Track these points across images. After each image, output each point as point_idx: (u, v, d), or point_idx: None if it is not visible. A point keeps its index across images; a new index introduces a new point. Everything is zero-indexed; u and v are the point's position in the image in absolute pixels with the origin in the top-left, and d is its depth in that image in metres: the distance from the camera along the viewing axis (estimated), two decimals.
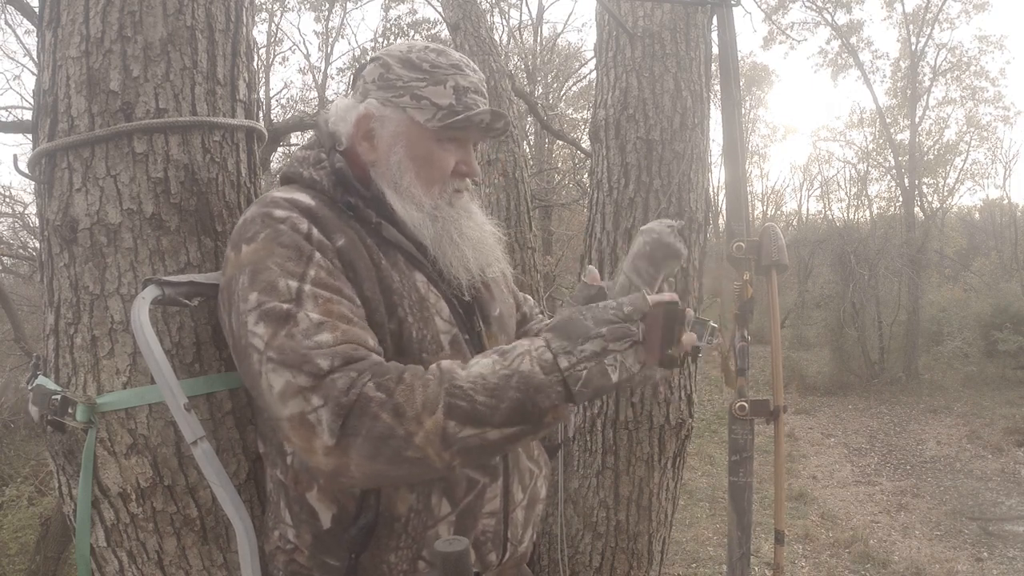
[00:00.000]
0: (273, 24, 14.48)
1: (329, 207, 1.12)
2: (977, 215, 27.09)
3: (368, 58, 1.27)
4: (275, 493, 1.18)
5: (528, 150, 13.59)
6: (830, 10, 17.91)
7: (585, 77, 16.35)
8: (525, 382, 0.95)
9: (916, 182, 17.82)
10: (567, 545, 2.47)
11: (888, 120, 19.04)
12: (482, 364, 0.98)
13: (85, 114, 1.22)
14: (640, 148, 2.47)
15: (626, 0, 2.55)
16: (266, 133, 1.49)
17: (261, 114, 1.58)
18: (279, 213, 1.06)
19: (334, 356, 0.95)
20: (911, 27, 17.66)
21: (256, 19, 1.74)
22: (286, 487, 1.14)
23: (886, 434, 11.10)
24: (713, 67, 2.69)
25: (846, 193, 27.12)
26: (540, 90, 15.34)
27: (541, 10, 17.07)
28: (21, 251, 8.78)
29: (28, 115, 6.66)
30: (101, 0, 1.23)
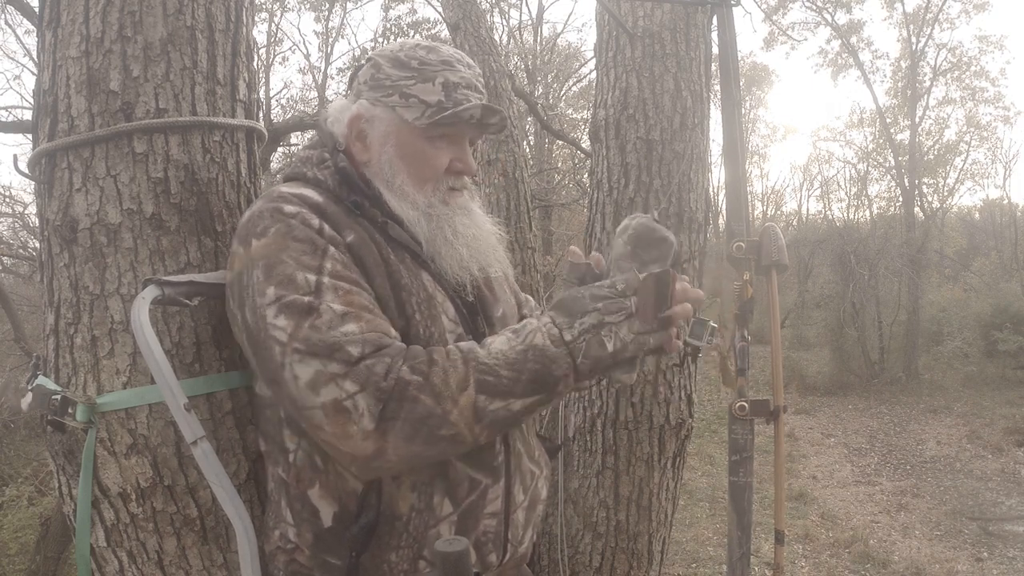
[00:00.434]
0: (273, 24, 14.50)
1: (336, 204, 1.12)
2: (977, 215, 27.10)
3: (365, 59, 1.28)
4: (276, 492, 1.18)
5: (528, 150, 13.59)
6: (830, 10, 17.91)
7: (585, 77, 16.37)
8: (540, 354, 1.02)
9: (916, 182, 17.82)
10: (567, 545, 2.47)
11: (888, 120, 19.05)
12: (500, 341, 1.05)
13: (85, 114, 1.22)
14: (640, 148, 2.47)
15: (626, 0, 2.55)
16: (266, 133, 1.49)
17: (261, 114, 1.58)
18: (289, 208, 1.06)
19: (364, 343, 0.98)
20: (911, 27, 17.66)
21: (256, 19, 1.74)
22: (287, 485, 1.14)
23: (886, 434, 11.10)
24: (713, 67, 2.68)
25: (846, 193, 27.15)
26: (540, 90, 15.35)
27: (541, 10, 17.09)
28: (21, 251, 8.78)
29: (28, 115, 6.66)
30: (101, 0, 1.23)
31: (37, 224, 1.47)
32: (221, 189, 1.32)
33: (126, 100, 1.23)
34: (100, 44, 1.23)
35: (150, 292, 1.12)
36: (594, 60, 3.07)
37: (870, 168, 22.37)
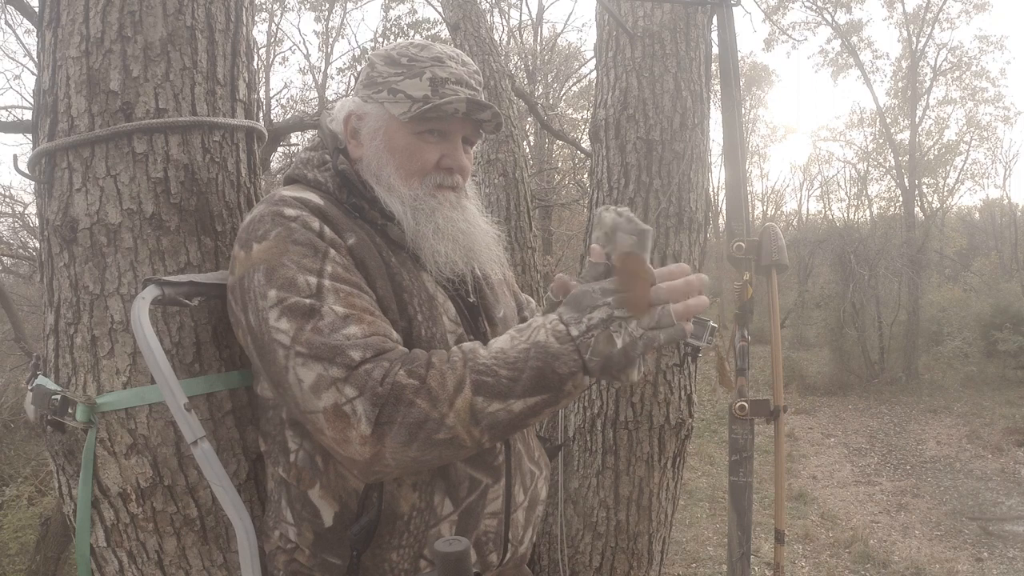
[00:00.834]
0: (273, 24, 14.48)
1: (337, 207, 1.13)
2: (977, 215, 27.12)
3: (365, 60, 1.28)
4: (276, 492, 1.18)
5: (528, 150, 13.60)
6: (830, 10, 17.92)
7: (585, 77, 16.37)
8: (542, 351, 0.97)
9: (916, 182, 17.84)
10: (567, 545, 2.47)
11: (888, 120, 19.07)
12: (501, 340, 1.01)
13: (85, 114, 1.22)
14: (640, 148, 2.47)
15: (626, 0, 2.55)
16: (266, 133, 1.49)
17: (261, 114, 1.58)
18: (290, 212, 1.07)
19: (366, 347, 0.97)
20: (911, 27, 17.69)
21: (256, 19, 1.74)
22: (288, 485, 1.14)
23: (886, 434, 11.10)
24: (713, 67, 2.68)
25: (846, 193, 27.18)
26: (540, 90, 15.35)
27: (541, 10, 17.10)
28: (21, 251, 8.78)
29: (28, 115, 6.67)
30: (101, 0, 1.23)
31: (37, 224, 1.47)
32: (221, 189, 1.32)
33: (126, 100, 1.23)
34: (100, 44, 1.23)
35: (150, 292, 1.12)
36: (594, 60, 3.07)
37: (870, 168, 22.41)
